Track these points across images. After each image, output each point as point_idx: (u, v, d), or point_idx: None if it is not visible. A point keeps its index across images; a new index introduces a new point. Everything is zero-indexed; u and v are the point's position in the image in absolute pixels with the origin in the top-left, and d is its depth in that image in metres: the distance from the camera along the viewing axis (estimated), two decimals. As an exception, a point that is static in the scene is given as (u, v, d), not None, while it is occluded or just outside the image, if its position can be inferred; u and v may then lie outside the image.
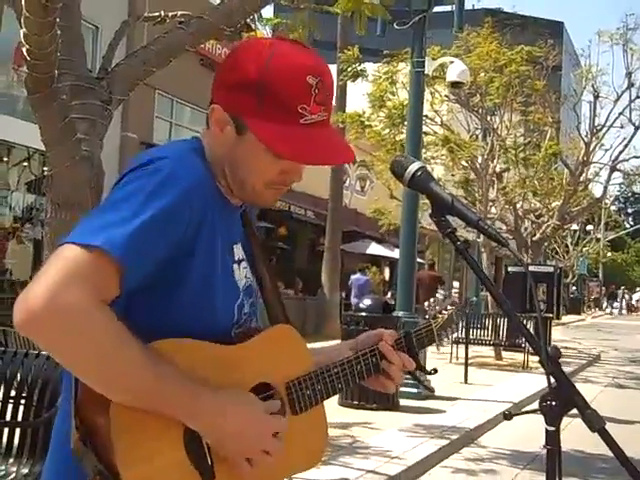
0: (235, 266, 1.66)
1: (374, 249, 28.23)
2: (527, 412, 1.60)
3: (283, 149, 1.54)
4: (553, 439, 1.47)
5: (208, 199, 1.54)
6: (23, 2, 3.95)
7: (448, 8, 12.55)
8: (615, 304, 61.12)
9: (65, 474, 1.54)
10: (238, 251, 1.69)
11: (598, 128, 21.97)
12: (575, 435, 3.67)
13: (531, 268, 19.74)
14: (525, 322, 1.64)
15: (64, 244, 1.39)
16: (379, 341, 1.80)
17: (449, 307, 1.94)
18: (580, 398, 1.46)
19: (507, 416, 1.62)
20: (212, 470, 1.50)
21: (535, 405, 1.52)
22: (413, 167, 1.68)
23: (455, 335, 14.42)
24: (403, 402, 9.07)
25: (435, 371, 1.86)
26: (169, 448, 1.47)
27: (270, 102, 1.54)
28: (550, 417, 1.47)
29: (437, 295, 17.70)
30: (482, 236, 17.73)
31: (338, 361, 1.74)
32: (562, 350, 1.72)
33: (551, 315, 19.09)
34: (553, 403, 1.47)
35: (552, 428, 1.47)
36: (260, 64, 1.55)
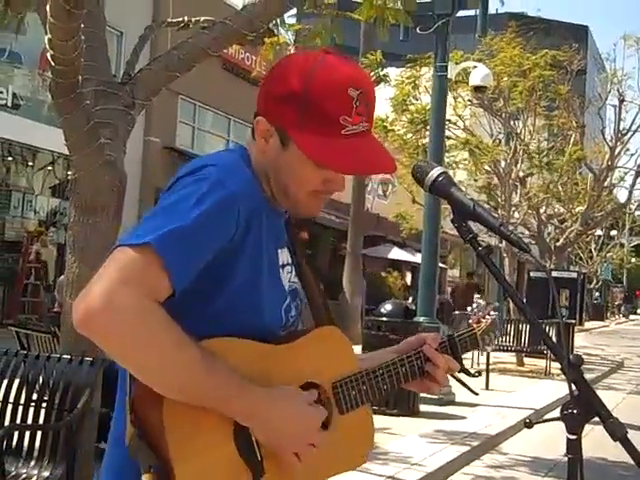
0: (280, 270, 1.71)
1: (396, 254, 28.16)
2: (548, 420, 1.59)
3: (325, 160, 1.59)
4: (575, 448, 1.45)
5: (255, 205, 1.58)
6: (48, 8, 3.99)
7: (471, 12, 12.49)
8: (626, 307, 60.52)
9: (123, 472, 1.57)
10: (283, 256, 1.73)
11: (623, 132, 21.80)
12: (596, 443, 3.63)
13: (554, 274, 19.64)
14: (547, 328, 1.62)
15: (117, 246, 1.45)
16: (422, 345, 1.83)
17: (492, 313, 1.94)
18: (602, 406, 1.44)
19: (528, 424, 1.60)
20: (262, 465, 1.53)
21: (557, 412, 1.51)
22: (434, 172, 1.67)
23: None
24: (423, 408, 9.03)
25: (479, 374, 1.85)
26: (220, 443, 1.51)
27: (313, 115, 1.58)
28: (572, 425, 1.46)
29: (474, 303, 17.59)
30: (504, 242, 17.66)
31: (383, 363, 1.77)
32: (585, 357, 1.71)
33: (574, 321, 18.94)
34: (575, 411, 1.45)
35: (573, 436, 1.45)
36: (303, 77, 1.59)
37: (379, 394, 1.74)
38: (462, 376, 1.92)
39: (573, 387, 1.45)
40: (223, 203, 1.51)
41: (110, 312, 1.36)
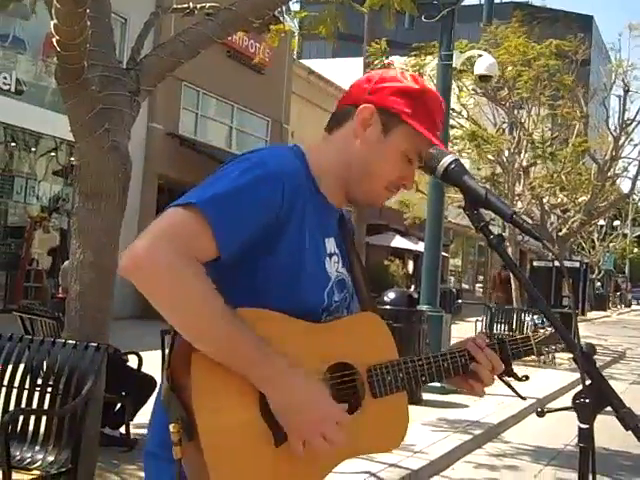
0: (327, 258, 1.78)
1: (398, 242, 28.16)
2: (561, 409, 1.59)
3: (433, 136, 1.73)
4: (586, 437, 1.45)
5: (299, 189, 1.67)
6: (54, -7, 3.97)
7: (476, 1, 12.44)
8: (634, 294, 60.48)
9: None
10: (330, 245, 1.80)
11: (628, 123, 21.76)
12: (600, 432, 3.63)
13: (557, 263, 19.62)
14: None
15: (168, 207, 1.58)
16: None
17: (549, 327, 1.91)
18: (615, 396, 1.44)
19: (540, 413, 1.60)
20: (284, 431, 1.58)
21: (561, 402, 1.50)
22: (447, 160, 1.67)
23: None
24: (426, 396, 9.04)
25: (527, 378, 1.84)
26: (244, 404, 1.57)
27: (424, 111, 1.75)
28: (584, 415, 1.45)
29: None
30: (507, 230, 17.65)
31: (424, 355, 1.80)
32: (588, 347, 1.69)
33: (577, 311, 18.94)
34: (587, 401, 1.45)
35: (585, 426, 1.45)
36: (419, 82, 1.80)
37: (416, 384, 1.77)
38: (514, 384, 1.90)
39: (585, 376, 1.45)
40: (266, 177, 1.62)
41: (148, 264, 1.50)
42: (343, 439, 1.60)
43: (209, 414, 1.53)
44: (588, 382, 1.47)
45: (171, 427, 1.55)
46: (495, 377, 1.83)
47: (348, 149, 1.76)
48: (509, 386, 1.91)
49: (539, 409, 1.58)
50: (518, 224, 1.56)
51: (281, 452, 1.58)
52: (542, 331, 1.90)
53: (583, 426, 1.45)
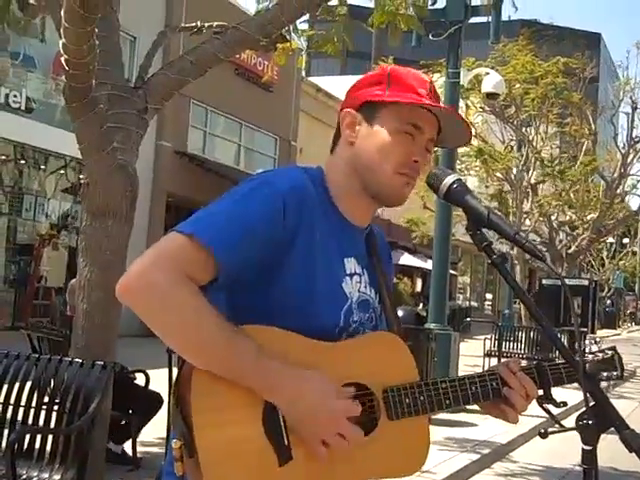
0: (347, 278, 1.74)
1: (407, 260, 28.12)
2: (564, 430, 1.57)
3: (421, 100, 1.72)
4: (590, 459, 1.43)
5: (308, 206, 1.66)
6: (63, 13, 4.01)
7: (484, 19, 12.48)
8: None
9: None
10: (350, 265, 1.77)
11: (636, 140, 21.73)
12: (608, 452, 3.59)
13: (566, 281, 19.55)
14: (559, 336, 1.60)
15: (169, 232, 1.61)
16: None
17: (608, 351, 1.84)
18: (618, 417, 1.43)
19: (543, 435, 1.59)
20: (289, 450, 1.54)
21: (569, 421, 1.49)
22: (449, 180, 1.67)
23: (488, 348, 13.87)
24: (434, 415, 9.00)
25: (564, 404, 1.72)
26: (246, 420, 1.53)
27: (398, 86, 1.75)
28: (587, 436, 1.44)
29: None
30: (515, 248, 17.60)
31: (448, 378, 1.72)
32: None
33: (586, 329, 18.86)
34: (590, 422, 1.44)
35: (589, 447, 1.44)
36: (385, 68, 1.81)
37: (439, 408, 1.69)
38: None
39: (589, 397, 1.44)
40: (268, 197, 1.61)
41: (141, 286, 1.53)
42: (360, 435, 1.57)
43: (208, 430, 1.50)
44: (592, 403, 1.46)
45: (173, 443, 1.54)
46: (533, 403, 1.74)
47: (348, 157, 1.76)
48: (548, 412, 1.79)
49: (542, 430, 1.56)
50: (520, 244, 1.55)
51: (285, 473, 1.53)
52: (591, 356, 1.82)
53: (586, 448, 1.44)
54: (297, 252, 1.62)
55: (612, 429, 1.48)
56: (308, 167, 1.80)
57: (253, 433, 1.53)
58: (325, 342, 1.63)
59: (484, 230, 1.63)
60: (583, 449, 1.44)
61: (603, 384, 1.82)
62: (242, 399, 1.52)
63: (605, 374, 1.81)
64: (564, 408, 1.68)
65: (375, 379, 1.65)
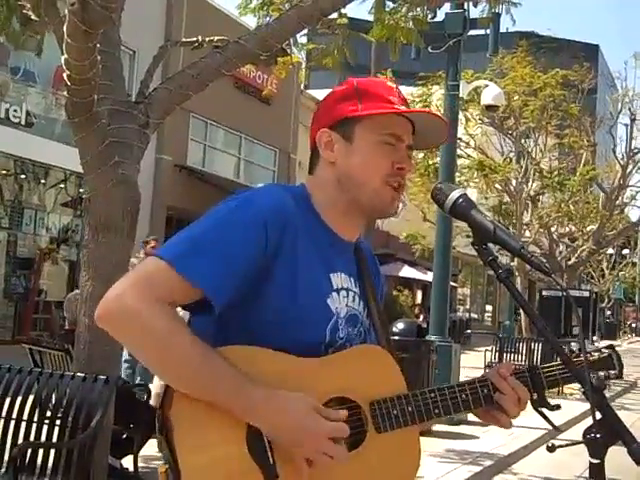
0: (334, 293, 1.73)
1: (407, 272, 28.10)
2: (572, 444, 1.57)
3: (394, 108, 1.73)
4: (598, 472, 1.44)
5: (290, 224, 1.65)
6: (65, 28, 4.02)
7: (482, 31, 12.52)
8: None
9: None
10: (337, 279, 1.75)
11: (635, 151, 21.77)
12: (613, 464, 3.59)
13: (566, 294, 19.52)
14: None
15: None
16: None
17: (605, 350, 1.82)
18: (626, 431, 1.43)
19: (550, 448, 1.59)
20: (274, 469, 1.52)
21: (572, 432, 1.49)
22: (454, 195, 1.68)
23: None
24: (435, 427, 8.96)
25: (558, 407, 1.70)
26: (230, 441, 1.52)
27: (368, 97, 1.75)
28: (594, 449, 1.44)
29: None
30: (516, 260, 17.61)
31: (437, 387, 1.71)
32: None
33: (587, 340, 18.82)
34: (598, 435, 1.44)
35: (596, 461, 1.44)
36: (351, 82, 1.81)
37: (428, 417, 1.68)
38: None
39: (596, 411, 1.44)
40: (248, 216, 1.61)
41: (118, 310, 1.53)
42: (343, 453, 1.56)
43: (191, 452, 1.49)
44: (599, 416, 1.46)
45: (159, 467, 1.54)
46: (529, 407, 1.74)
47: (330, 177, 1.76)
48: (543, 416, 1.79)
49: (549, 444, 1.56)
50: (527, 259, 1.56)
51: None
52: (581, 357, 1.78)
53: (594, 461, 1.44)
54: (279, 270, 1.62)
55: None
56: (289, 185, 1.81)
57: (237, 453, 1.52)
58: (310, 359, 1.62)
59: (489, 245, 1.64)
60: (591, 462, 1.44)
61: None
62: (225, 420, 1.51)
63: (603, 373, 1.78)
64: (563, 414, 1.67)
65: (362, 393, 1.64)
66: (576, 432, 1.46)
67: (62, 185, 16.66)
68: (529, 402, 1.74)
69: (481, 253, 1.62)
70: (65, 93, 4.50)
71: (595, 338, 20.18)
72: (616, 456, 1.74)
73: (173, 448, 1.50)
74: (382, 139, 1.72)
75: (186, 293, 1.56)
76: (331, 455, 1.54)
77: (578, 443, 1.48)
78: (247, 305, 1.62)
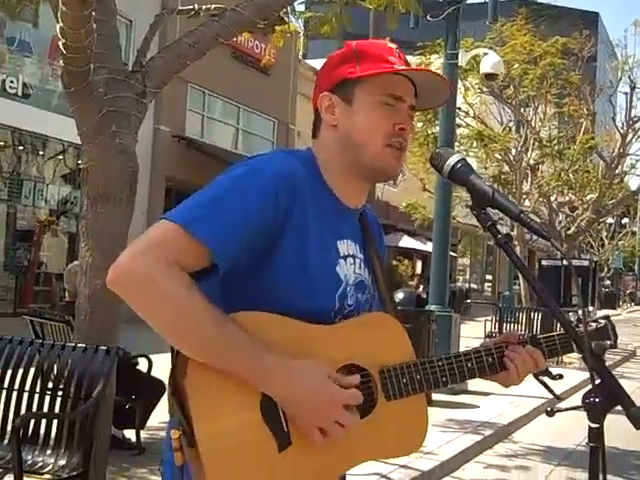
0: (341, 260, 1.73)
1: (406, 242, 28.14)
2: (570, 409, 1.58)
3: (392, 67, 1.71)
4: (597, 437, 1.44)
5: (299, 190, 1.64)
6: (59, -4, 3.98)
7: (481, -1, 12.42)
8: None
9: None
10: (344, 247, 1.76)
11: (635, 120, 21.67)
12: (610, 430, 3.62)
13: (566, 262, 19.56)
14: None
15: (159, 219, 1.61)
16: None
17: (602, 320, 1.86)
18: (624, 395, 1.43)
19: (549, 413, 1.59)
20: (288, 436, 1.54)
21: (572, 401, 1.50)
22: (453, 159, 1.67)
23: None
24: (436, 396, 9.02)
25: (561, 377, 1.77)
26: (245, 408, 1.53)
27: (367, 59, 1.74)
28: (594, 414, 1.45)
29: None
30: (515, 229, 17.62)
31: (444, 355, 1.74)
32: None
33: (587, 310, 18.87)
34: (597, 400, 1.44)
35: (596, 425, 1.44)
36: (350, 45, 1.79)
37: (435, 385, 1.71)
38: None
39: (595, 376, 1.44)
40: (258, 181, 1.60)
41: (128, 274, 1.52)
42: (355, 419, 1.58)
43: (207, 419, 1.50)
44: (598, 381, 1.46)
45: (172, 433, 1.53)
46: (529, 376, 1.78)
47: (333, 139, 1.75)
48: (544, 385, 1.83)
49: (548, 409, 1.57)
50: (526, 223, 1.55)
51: (284, 458, 1.53)
52: (581, 327, 1.81)
53: (593, 425, 1.44)
54: (289, 237, 1.62)
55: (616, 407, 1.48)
56: (296, 150, 1.80)
57: (252, 420, 1.53)
58: (320, 325, 1.63)
59: (488, 210, 1.63)
60: (590, 427, 1.45)
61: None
62: (239, 388, 1.52)
63: (598, 343, 1.81)
64: (562, 383, 1.69)
65: (371, 360, 1.65)
66: (575, 401, 1.47)
67: (60, 157, 16.63)
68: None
69: (480, 218, 1.61)
70: (61, 62, 4.46)
71: (591, 309, 20.19)
72: (612, 424, 1.75)
73: (188, 415, 1.50)
74: (382, 99, 1.72)
75: (197, 257, 1.55)
76: (344, 423, 1.55)
77: (577, 408, 1.48)
78: (254, 273, 1.62)
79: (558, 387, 10.90)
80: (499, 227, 1.64)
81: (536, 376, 1.78)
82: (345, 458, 1.63)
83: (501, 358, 1.76)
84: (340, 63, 1.76)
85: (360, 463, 1.67)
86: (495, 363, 1.75)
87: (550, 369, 1.75)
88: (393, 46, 1.79)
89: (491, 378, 1.80)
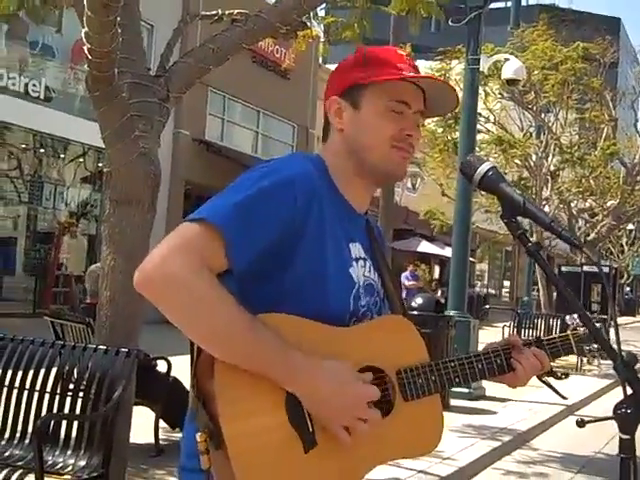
0: (354, 262, 1.76)
1: (425, 247, 28.06)
2: (601, 419, 1.56)
3: (400, 74, 1.73)
4: (628, 447, 1.43)
5: (314, 195, 1.66)
6: (85, 2, 4.01)
7: (502, 4, 12.38)
8: None
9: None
10: (355, 249, 1.79)
11: (656, 126, 21.51)
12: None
13: (585, 268, 19.45)
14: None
15: (182, 222, 1.61)
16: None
17: (598, 324, 1.90)
18: (657, 406, 1.42)
19: (580, 423, 1.58)
20: (313, 436, 1.56)
21: (591, 408, 1.49)
22: (483, 167, 1.66)
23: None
24: (454, 402, 8.99)
25: (566, 376, 1.83)
26: (271, 408, 1.55)
27: (375, 65, 1.76)
28: (625, 425, 1.43)
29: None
30: (534, 235, 17.52)
31: (456, 357, 1.78)
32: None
33: (606, 317, 18.75)
34: (628, 411, 1.43)
35: (627, 436, 1.43)
36: (361, 51, 1.81)
37: (449, 386, 1.76)
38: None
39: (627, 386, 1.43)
40: (278, 184, 1.62)
41: (159, 277, 1.52)
42: (377, 415, 1.60)
43: (234, 421, 1.51)
44: (629, 391, 1.45)
45: (197, 436, 1.54)
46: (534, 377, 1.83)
47: (341, 143, 1.79)
48: (549, 386, 1.88)
49: (579, 419, 1.56)
50: (557, 232, 1.55)
51: (310, 458, 1.56)
52: (582, 329, 1.86)
53: (624, 437, 1.43)
54: (308, 239, 1.63)
55: None
56: (309, 155, 1.83)
57: (277, 421, 1.55)
58: (338, 327, 1.65)
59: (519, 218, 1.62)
60: (621, 438, 1.44)
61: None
62: (266, 389, 1.54)
63: (595, 346, 1.85)
64: (581, 391, 1.68)
65: (388, 362, 1.69)
66: (594, 409, 1.46)
67: (81, 160, 16.73)
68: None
69: (511, 227, 1.61)
70: (86, 67, 4.48)
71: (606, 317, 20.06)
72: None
73: (216, 417, 1.51)
74: (389, 105, 1.75)
75: (220, 258, 1.56)
76: (369, 419, 1.58)
77: (609, 419, 1.47)
78: (275, 273, 1.64)
79: (575, 395, 10.73)
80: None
81: (540, 377, 1.84)
82: (367, 459, 1.66)
83: (508, 359, 1.81)
84: (350, 68, 1.79)
85: (381, 463, 1.70)
86: (503, 364, 1.81)
87: (570, 375, 1.77)
88: (403, 53, 1.82)
89: (498, 379, 1.84)
